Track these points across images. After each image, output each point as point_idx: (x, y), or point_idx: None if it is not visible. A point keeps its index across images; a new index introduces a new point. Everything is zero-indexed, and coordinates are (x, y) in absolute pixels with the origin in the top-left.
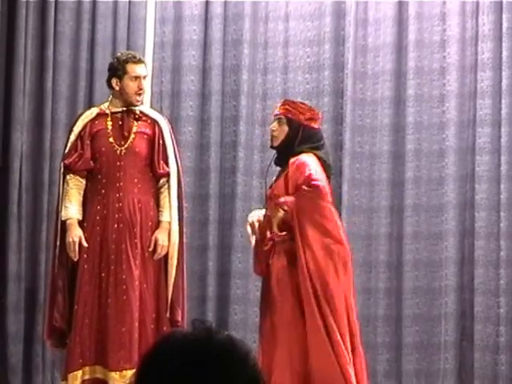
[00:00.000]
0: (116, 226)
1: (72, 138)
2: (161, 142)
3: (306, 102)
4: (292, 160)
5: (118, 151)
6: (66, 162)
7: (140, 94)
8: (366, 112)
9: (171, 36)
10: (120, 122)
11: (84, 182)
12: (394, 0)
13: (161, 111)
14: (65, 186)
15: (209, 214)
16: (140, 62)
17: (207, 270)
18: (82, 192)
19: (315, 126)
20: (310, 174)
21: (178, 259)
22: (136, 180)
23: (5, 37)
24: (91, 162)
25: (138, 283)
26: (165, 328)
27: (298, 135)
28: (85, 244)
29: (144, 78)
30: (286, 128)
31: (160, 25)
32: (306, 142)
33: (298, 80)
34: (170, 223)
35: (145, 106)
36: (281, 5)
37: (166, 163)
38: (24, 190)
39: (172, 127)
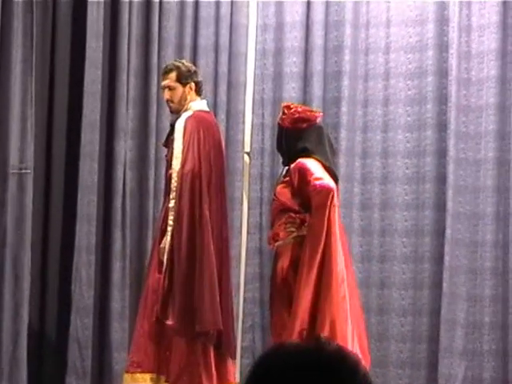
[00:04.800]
0: None
1: None
2: (172, 146)
3: (299, 105)
4: (292, 166)
5: None
6: None
7: (167, 103)
8: (471, 119)
9: (273, 43)
10: None
11: None
12: (498, 1)
13: (262, 118)
14: None
15: None
16: (163, 73)
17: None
18: None
19: (302, 125)
20: (312, 177)
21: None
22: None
23: (108, 42)
24: None
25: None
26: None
27: (282, 139)
28: None
29: (164, 87)
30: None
31: (261, 32)
32: (293, 144)
33: (399, 86)
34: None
35: (184, 116)
36: (382, 10)
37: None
38: (128, 197)
39: (197, 124)
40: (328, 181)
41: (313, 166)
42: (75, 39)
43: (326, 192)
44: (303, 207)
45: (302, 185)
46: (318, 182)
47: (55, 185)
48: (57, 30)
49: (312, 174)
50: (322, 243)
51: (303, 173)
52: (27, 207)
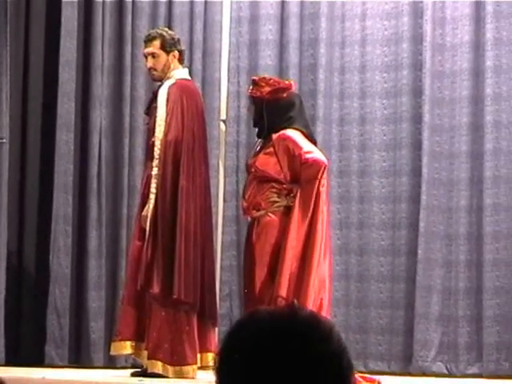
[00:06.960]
0: None
1: None
2: (154, 114)
3: (270, 76)
4: (275, 137)
5: None
6: None
7: (150, 71)
8: (445, 84)
9: (248, 10)
10: None
11: None
12: None
13: (238, 86)
14: None
15: None
16: (146, 40)
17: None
18: None
19: (283, 95)
20: (302, 150)
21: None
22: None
23: (82, 13)
24: None
25: None
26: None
27: (263, 110)
28: None
29: (148, 54)
30: (253, 107)
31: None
32: (277, 115)
33: (376, 53)
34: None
35: (167, 84)
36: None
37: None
38: (104, 165)
39: (181, 93)
40: (319, 154)
41: (299, 138)
42: (50, 10)
43: (318, 166)
44: (288, 178)
45: (289, 157)
46: (309, 156)
47: (31, 154)
48: None
49: (301, 148)
50: (309, 216)
51: (291, 146)
52: (3, 177)
